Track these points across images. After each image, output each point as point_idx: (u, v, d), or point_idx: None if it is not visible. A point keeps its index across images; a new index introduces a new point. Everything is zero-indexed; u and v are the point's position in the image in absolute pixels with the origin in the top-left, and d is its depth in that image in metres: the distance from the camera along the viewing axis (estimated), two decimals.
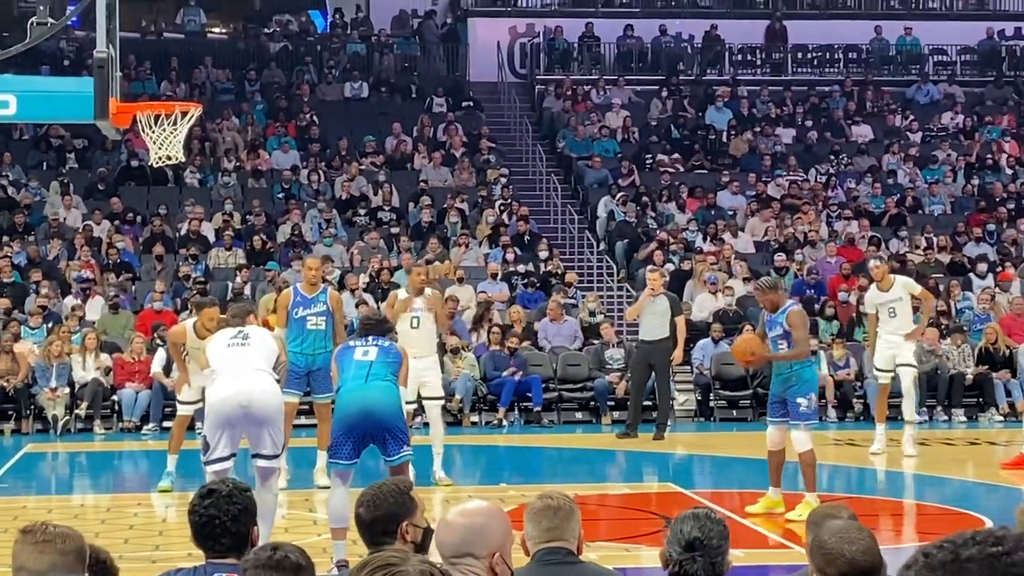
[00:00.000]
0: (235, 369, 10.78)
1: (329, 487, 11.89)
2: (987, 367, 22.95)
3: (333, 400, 15.13)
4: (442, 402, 16.34)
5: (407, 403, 15.26)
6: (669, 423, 20.74)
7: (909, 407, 18.06)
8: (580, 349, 23.38)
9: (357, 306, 22.88)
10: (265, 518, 10.24)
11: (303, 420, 16.66)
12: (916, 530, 13.98)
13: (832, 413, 22.62)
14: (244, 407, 10.59)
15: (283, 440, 11.01)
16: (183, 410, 15.12)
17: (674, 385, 21.83)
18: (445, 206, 27.91)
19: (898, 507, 15.11)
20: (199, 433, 15.48)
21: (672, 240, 26.83)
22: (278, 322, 15.07)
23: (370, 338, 11.28)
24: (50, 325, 22.50)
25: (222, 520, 5.30)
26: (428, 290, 15.95)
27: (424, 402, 15.83)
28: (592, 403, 22.69)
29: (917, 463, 17.62)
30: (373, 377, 10.91)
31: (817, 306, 24.46)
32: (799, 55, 35.30)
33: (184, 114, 12.19)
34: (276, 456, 10.93)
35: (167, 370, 21.12)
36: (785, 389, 13.30)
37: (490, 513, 4.92)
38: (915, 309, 18.60)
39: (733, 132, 32.13)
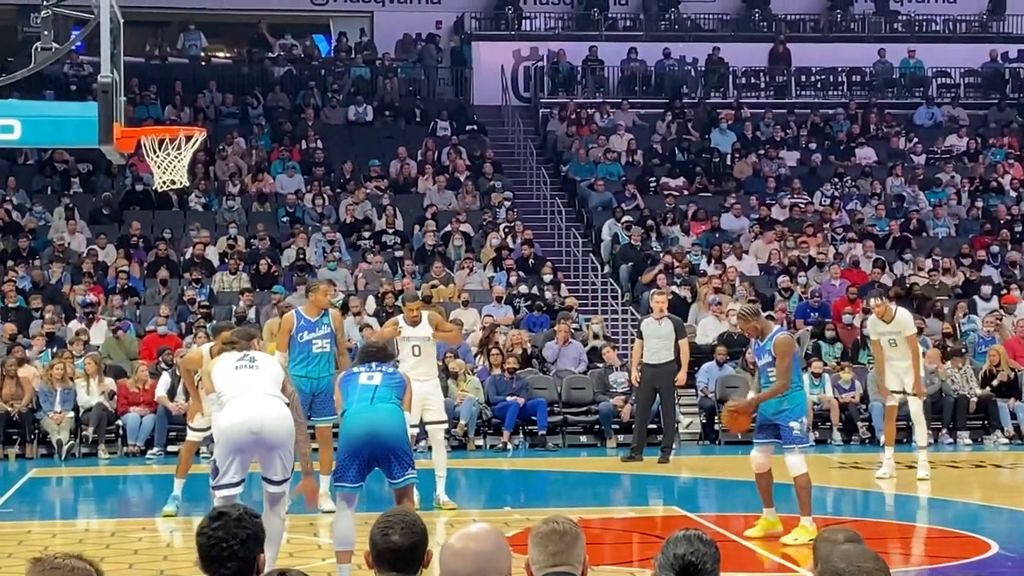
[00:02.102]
0: (245, 393, 10.72)
1: (333, 511, 11.87)
2: (991, 390, 22.92)
3: (335, 424, 15.20)
4: (445, 426, 16.29)
5: (410, 426, 15.29)
6: (674, 446, 20.73)
7: (921, 434, 18.04)
8: (585, 372, 23.37)
9: (361, 330, 22.87)
10: (272, 543, 10.22)
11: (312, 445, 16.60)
12: (923, 553, 13.94)
13: (837, 436, 22.59)
14: (255, 433, 10.53)
15: (292, 465, 10.97)
16: (193, 436, 15.06)
17: (679, 408, 21.81)
18: (449, 229, 27.91)
19: (904, 530, 15.07)
20: (203, 458, 15.51)
21: (677, 263, 26.83)
22: (279, 346, 15.03)
23: (373, 364, 11.30)
24: (54, 350, 22.50)
25: (230, 544, 5.23)
26: (425, 315, 15.87)
27: (427, 426, 15.81)
28: (597, 426, 22.67)
29: (922, 486, 17.58)
30: (378, 400, 10.91)
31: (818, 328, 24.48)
32: (803, 78, 35.35)
33: (188, 138, 12.21)
34: (285, 481, 10.91)
35: (171, 394, 21.16)
36: (776, 413, 13.23)
37: (498, 537, 4.93)
38: (920, 330, 18.58)
39: (737, 155, 32.15)
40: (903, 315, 17.80)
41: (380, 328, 23.22)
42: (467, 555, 4.79)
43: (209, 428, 14.02)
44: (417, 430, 15.61)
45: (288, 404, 10.94)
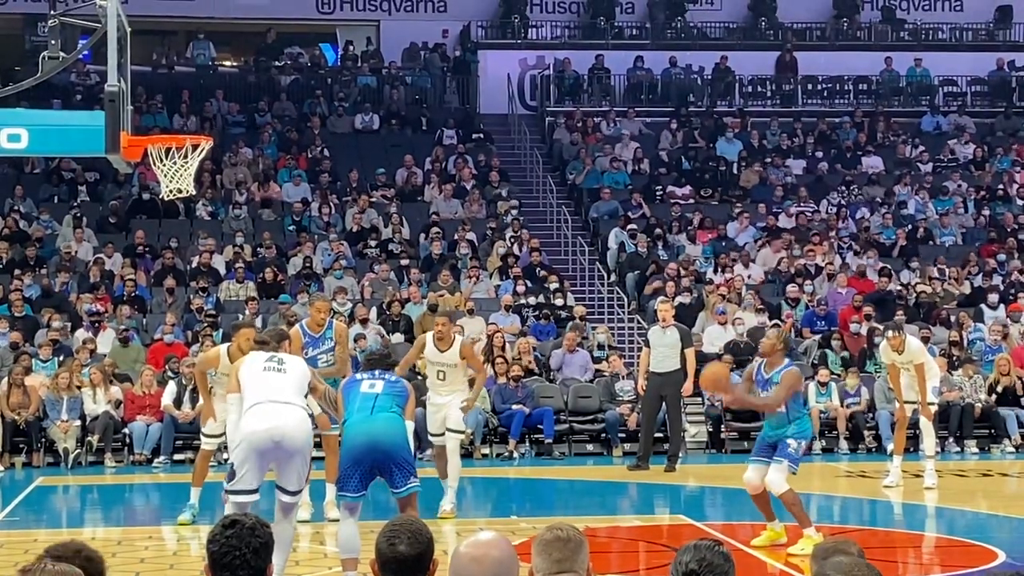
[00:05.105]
0: (268, 400, 10.71)
1: (339, 520, 11.89)
2: (997, 398, 22.89)
3: (341, 433, 15.16)
4: (461, 436, 16.24)
5: (433, 435, 15.31)
6: (680, 455, 20.70)
7: (928, 443, 18.03)
8: (591, 381, 23.36)
9: (356, 340, 22.32)
10: (282, 550, 10.26)
11: (316, 452, 16.59)
12: (929, 563, 13.92)
13: (844, 445, 22.55)
14: (276, 442, 10.58)
15: (307, 477, 11.01)
16: (207, 444, 15.02)
17: (685, 417, 21.78)
18: (456, 238, 27.91)
19: (911, 539, 15.05)
20: (213, 465, 15.51)
21: (683, 272, 26.80)
22: None
23: (376, 372, 11.31)
24: (61, 358, 22.52)
25: (243, 552, 5.17)
26: (459, 342, 15.76)
27: (446, 432, 15.69)
28: (603, 435, 22.65)
29: (929, 495, 17.56)
30: (379, 409, 10.92)
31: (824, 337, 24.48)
32: (809, 86, 35.33)
33: (195, 147, 12.22)
34: (299, 492, 10.94)
35: (178, 403, 21.17)
36: (780, 437, 13.13)
37: (509, 545, 4.94)
38: (925, 339, 18.61)
39: (743, 163, 32.13)
40: (914, 345, 17.89)
41: (388, 336, 23.27)
42: (486, 562, 4.80)
43: (222, 435, 14.00)
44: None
45: (310, 413, 10.99)
